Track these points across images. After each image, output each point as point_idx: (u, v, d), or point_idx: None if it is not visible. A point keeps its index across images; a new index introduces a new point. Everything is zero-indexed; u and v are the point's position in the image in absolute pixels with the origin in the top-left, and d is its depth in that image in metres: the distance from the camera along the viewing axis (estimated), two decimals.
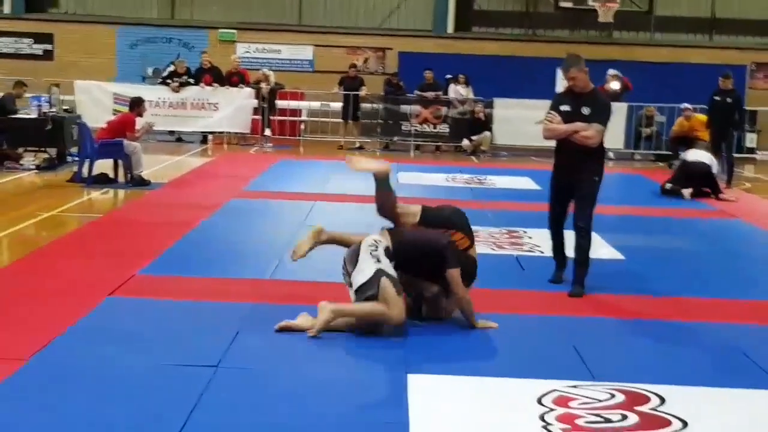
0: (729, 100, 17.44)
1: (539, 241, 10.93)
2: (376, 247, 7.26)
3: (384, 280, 7.04)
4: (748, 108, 24.25)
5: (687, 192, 15.63)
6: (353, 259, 7.26)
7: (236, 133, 22.54)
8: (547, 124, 8.70)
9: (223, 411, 5.44)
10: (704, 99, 19.30)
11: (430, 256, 7.29)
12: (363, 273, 7.14)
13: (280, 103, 23.10)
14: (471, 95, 22.98)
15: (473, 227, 7.93)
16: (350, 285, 7.26)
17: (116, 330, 7.00)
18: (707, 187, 15.82)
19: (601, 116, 8.57)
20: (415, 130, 22.80)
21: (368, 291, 7.06)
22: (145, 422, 5.21)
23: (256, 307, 7.81)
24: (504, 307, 7.99)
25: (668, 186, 15.86)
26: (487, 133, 22.26)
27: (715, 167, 16.18)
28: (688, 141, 19.72)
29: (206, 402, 5.54)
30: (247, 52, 25.81)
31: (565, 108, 8.65)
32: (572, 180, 8.69)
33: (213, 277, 8.83)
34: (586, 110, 8.55)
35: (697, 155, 16.23)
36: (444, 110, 22.80)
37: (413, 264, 7.32)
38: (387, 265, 7.16)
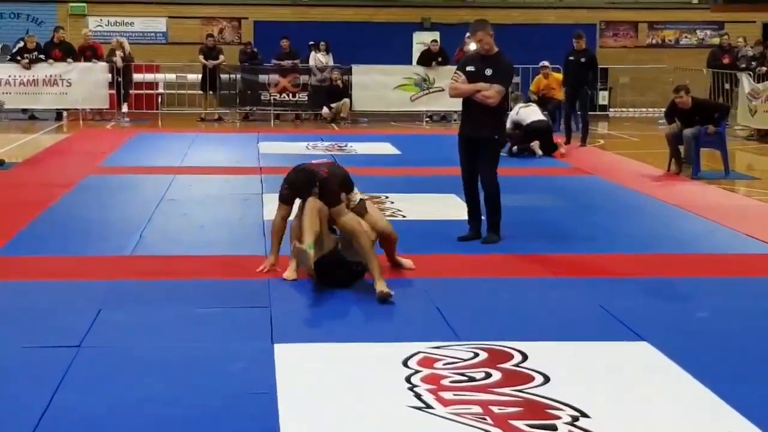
0: (583, 59, 17.82)
1: (401, 205, 11.01)
2: None
3: None
4: (599, 66, 24.78)
5: (536, 145, 15.91)
6: None
7: (92, 109, 22.11)
8: (452, 83, 9.29)
9: (88, 390, 5.34)
10: (557, 58, 19.70)
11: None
12: None
13: (136, 77, 22.70)
14: (331, 62, 22.94)
15: None
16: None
17: None
18: (547, 142, 16.15)
19: (503, 78, 9.13)
20: (275, 99, 22.65)
21: None
22: (5, 408, 5.08)
23: (117, 284, 7.69)
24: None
25: (515, 149, 15.97)
26: (346, 100, 22.27)
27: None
28: (543, 101, 20.07)
29: (69, 383, 5.44)
30: (99, 25, 25.24)
31: (470, 68, 9.18)
32: (475, 137, 9.18)
33: (72, 256, 8.67)
34: (489, 71, 9.06)
35: (535, 115, 16.41)
36: (303, 78, 22.71)
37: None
38: None
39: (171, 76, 23.29)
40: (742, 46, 22.49)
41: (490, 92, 8.97)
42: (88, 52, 22.21)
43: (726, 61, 22.40)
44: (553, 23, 25.22)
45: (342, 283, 7.54)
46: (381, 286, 7.23)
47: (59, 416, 4.99)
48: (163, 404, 5.17)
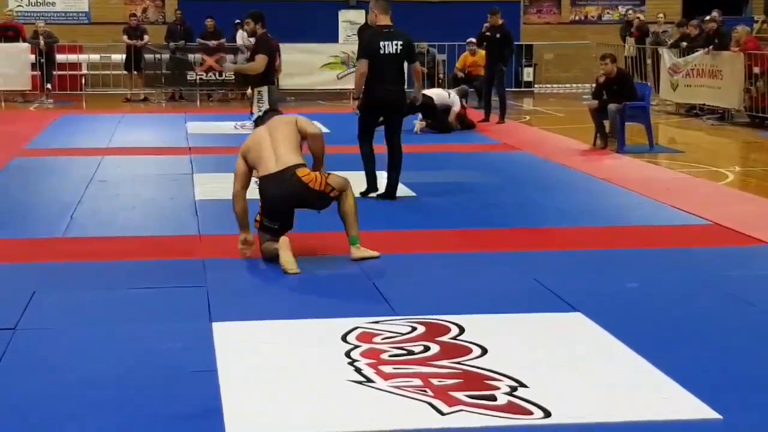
0: (498, 35, 17.90)
1: None
2: None
3: None
4: (523, 43, 24.97)
5: (418, 125, 15.94)
6: None
7: (14, 90, 21.78)
8: None
9: (25, 373, 5.31)
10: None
11: None
12: None
13: (59, 57, 22.38)
14: None
15: None
16: None
17: None
18: (434, 118, 16.20)
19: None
20: (201, 79, 22.49)
21: None
22: None
23: (51, 266, 7.64)
24: (303, 249, 8.04)
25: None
26: None
27: (445, 100, 16.50)
28: (469, 78, 20.21)
29: (6, 366, 5.41)
30: (20, 5, 24.83)
31: None
32: None
33: (3, 239, 8.57)
34: None
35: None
36: (229, 57, 22.52)
37: None
38: None
39: (95, 57, 23.02)
40: (662, 21, 22.73)
41: None
42: (10, 32, 21.83)
43: (635, 36, 22.81)
44: (472, 0, 25.27)
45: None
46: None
47: None
48: (102, 385, 5.14)
